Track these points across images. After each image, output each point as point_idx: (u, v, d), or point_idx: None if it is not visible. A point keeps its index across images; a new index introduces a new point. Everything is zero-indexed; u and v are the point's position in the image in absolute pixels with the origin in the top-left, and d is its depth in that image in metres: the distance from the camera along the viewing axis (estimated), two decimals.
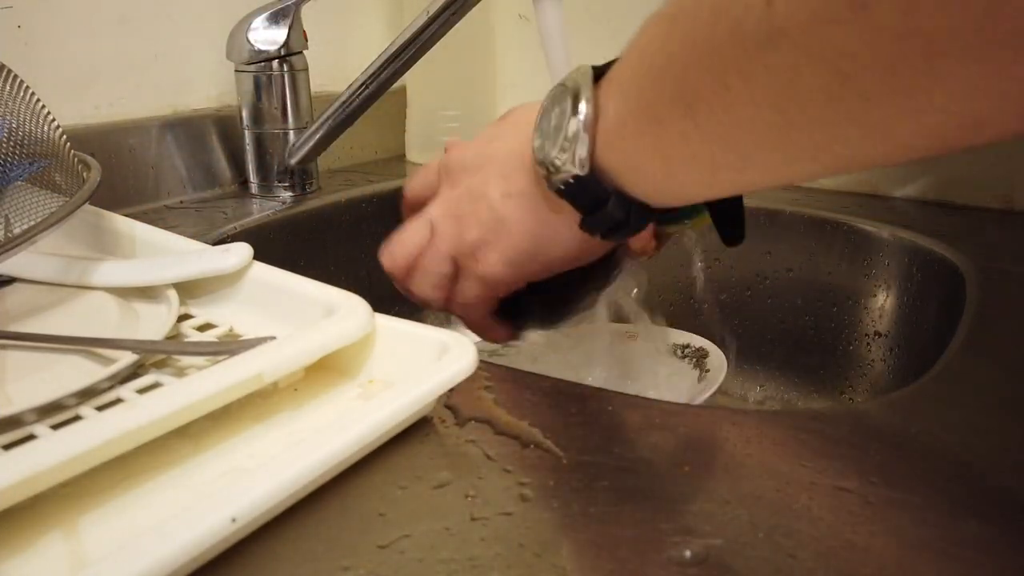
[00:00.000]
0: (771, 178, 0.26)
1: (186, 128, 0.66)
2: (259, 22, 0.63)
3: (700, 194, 0.30)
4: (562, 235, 0.35)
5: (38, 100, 0.39)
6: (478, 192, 0.37)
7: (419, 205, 0.42)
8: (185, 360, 0.33)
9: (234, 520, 0.22)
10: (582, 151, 0.30)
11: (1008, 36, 0.16)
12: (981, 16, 0.16)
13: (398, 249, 0.41)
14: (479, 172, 0.38)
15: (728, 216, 0.36)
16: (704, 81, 0.24)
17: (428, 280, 0.40)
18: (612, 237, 0.33)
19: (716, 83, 0.23)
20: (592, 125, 0.30)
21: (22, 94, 0.39)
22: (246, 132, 0.66)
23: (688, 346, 0.57)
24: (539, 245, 0.36)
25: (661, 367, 0.57)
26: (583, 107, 0.30)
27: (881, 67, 0.18)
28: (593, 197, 0.31)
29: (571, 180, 0.31)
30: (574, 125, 0.30)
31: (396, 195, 0.73)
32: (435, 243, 0.39)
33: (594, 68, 0.31)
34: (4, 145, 0.37)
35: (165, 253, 0.41)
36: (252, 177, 0.68)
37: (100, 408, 0.28)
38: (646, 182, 0.30)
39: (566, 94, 0.31)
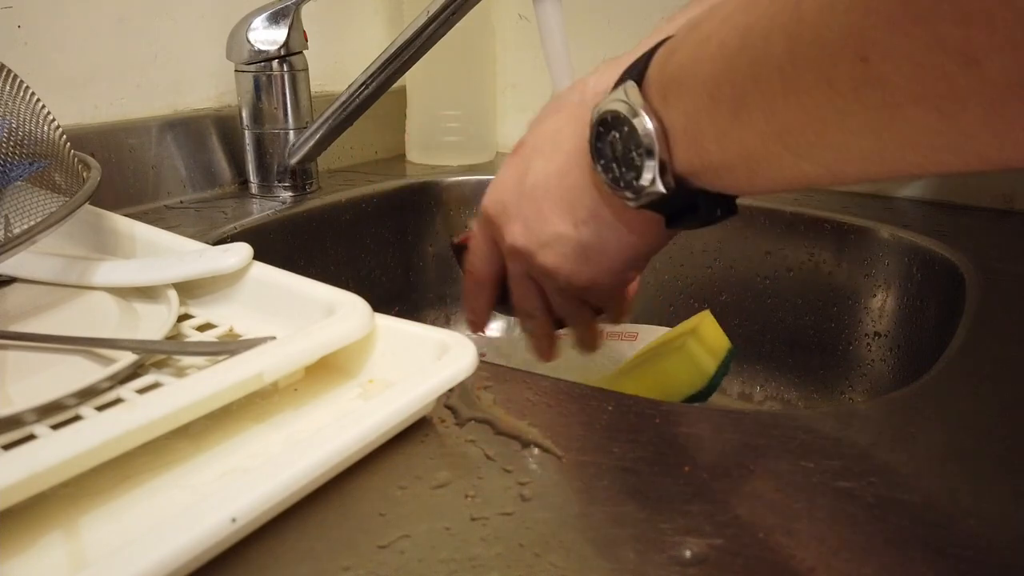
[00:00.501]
0: (853, 181, 0.27)
1: (186, 128, 0.66)
2: (259, 22, 0.63)
3: (778, 190, 0.31)
4: (647, 233, 0.36)
5: (38, 100, 0.39)
6: (545, 232, 0.37)
7: (491, 278, 0.43)
8: (185, 360, 0.33)
9: (234, 520, 0.22)
10: (665, 172, 0.30)
11: None
12: None
13: (527, 303, 0.42)
14: (532, 210, 0.37)
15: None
16: (792, 116, 0.24)
17: (569, 314, 0.42)
18: (700, 227, 0.34)
19: (809, 118, 0.24)
20: (664, 143, 0.30)
21: (22, 94, 0.39)
22: (246, 132, 0.66)
23: None
24: (631, 253, 0.37)
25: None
26: (649, 124, 0.30)
27: (986, 111, 0.20)
28: (682, 205, 0.32)
29: (656, 199, 0.31)
30: (649, 146, 0.30)
31: (396, 195, 0.74)
32: (545, 287, 0.40)
33: (632, 78, 0.31)
34: (4, 145, 0.37)
35: (165, 253, 0.41)
36: (252, 177, 0.68)
37: (100, 408, 0.28)
38: (727, 184, 0.30)
39: (621, 117, 0.31)
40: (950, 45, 0.19)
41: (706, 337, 0.50)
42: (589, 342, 0.46)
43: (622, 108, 0.31)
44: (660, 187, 0.30)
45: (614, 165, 0.32)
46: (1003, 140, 0.20)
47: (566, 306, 0.41)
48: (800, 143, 0.25)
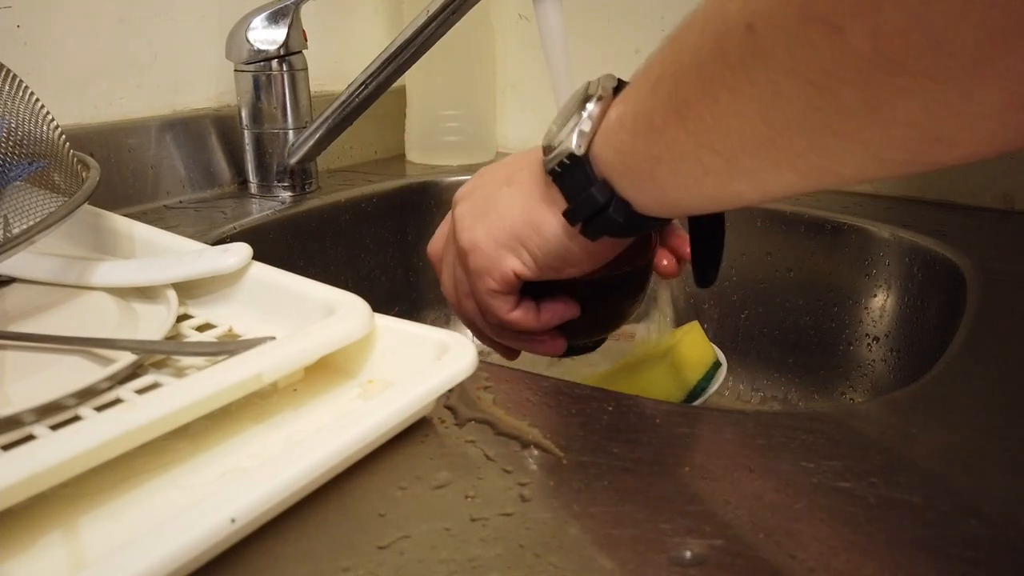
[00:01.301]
0: (756, 189, 0.27)
1: (185, 128, 0.66)
2: (258, 22, 0.63)
3: (685, 203, 0.31)
4: (549, 222, 0.34)
5: (37, 100, 0.39)
6: (482, 190, 0.38)
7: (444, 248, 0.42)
8: (184, 360, 0.33)
9: (234, 521, 0.21)
10: (583, 131, 0.31)
11: (960, 61, 0.18)
12: (936, 43, 0.18)
13: (445, 290, 0.42)
14: (482, 188, 0.38)
15: (707, 256, 0.38)
16: (693, 92, 0.25)
17: (462, 312, 0.41)
18: (594, 231, 0.33)
19: (704, 94, 0.25)
20: (598, 118, 0.31)
21: (21, 94, 0.39)
22: (245, 132, 0.66)
23: None
24: (520, 229, 0.35)
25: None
26: (593, 102, 0.31)
27: (853, 82, 0.20)
28: (581, 180, 0.32)
29: (566, 160, 0.31)
30: (583, 112, 0.31)
31: (396, 195, 0.74)
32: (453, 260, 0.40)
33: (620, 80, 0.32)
34: (3, 145, 0.37)
35: (164, 253, 0.41)
36: (251, 177, 0.68)
37: (99, 408, 0.28)
38: (635, 185, 0.31)
39: (583, 92, 0.32)
40: (816, 11, 0.19)
41: (690, 350, 0.50)
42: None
43: (591, 86, 0.32)
44: (572, 145, 0.31)
45: (554, 126, 0.33)
46: (883, 120, 0.20)
47: (454, 284, 0.41)
48: (698, 126, 0.26)
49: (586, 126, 0.31)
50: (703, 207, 0.31)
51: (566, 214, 0.33)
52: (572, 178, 0.32)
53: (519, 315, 0.38)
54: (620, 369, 0.54)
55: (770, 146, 0.24)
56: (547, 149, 0.33)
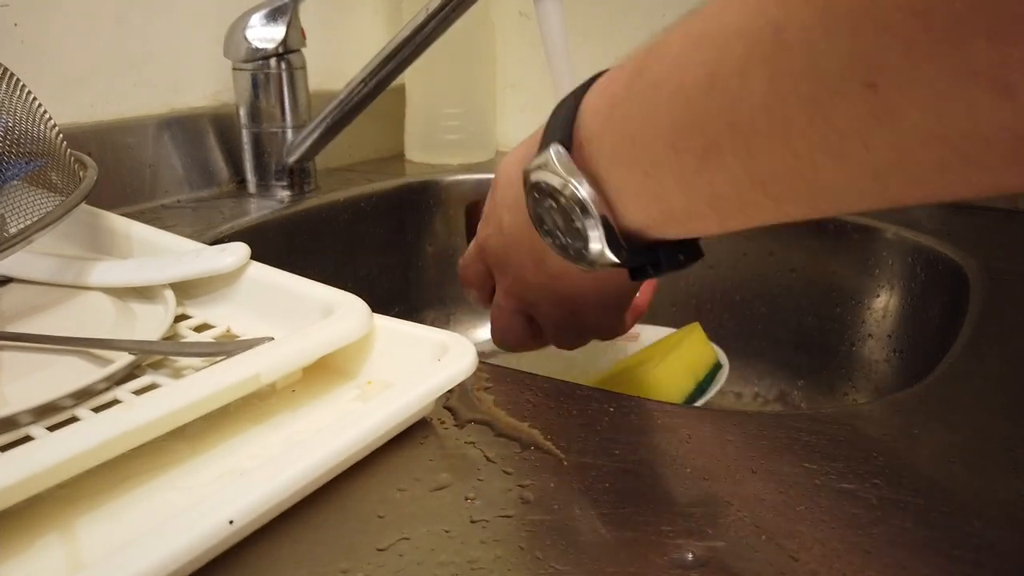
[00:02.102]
0: (840, 213, 0.25)
1: (183, 127, 0.66)
2: (257, 20, 0.62)
3: (756, 226, 0.27)
4: (622, 281, 0.35)
5: (35, 99, 0.39)
6: (529, 284, 0.37)
7: (480, 288, 0.42)
8: (182, 361, 0.32)
9: (232, 522, 0.21)
10: (613, 239, 0.27)
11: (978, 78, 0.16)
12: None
13: (512, 339, 0.41)
14: (512, 262, 0.37)
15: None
16: (780, 160, 0.21)
17: (567, 341, 0.41)
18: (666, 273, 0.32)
19: (799, 163, 0.21)
20: (607, 205, 0.27)
21: (18, 92, 0.38)
22: (244, 131, 0.66)
23: None
24: (613, 298, 0.37)
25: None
26: (585, 193, 0.27)
27: (1014, 148, 0.17)
28: (640, 261, 0.29)
29: (609, 264, 0.29)
30: (591, 224, 0.27)
31: (395, 194, 0.74)
32: (544, 323, 0.40)
33: (560, 142, 0.27)
34: (0, 144, 0.36)
35: (162, 253, 0.41)
36: (250, 176, 0.67)
37: (97, 409, 0.28)
38: (694, 232, 0.28)
39: (553, 188, 0.27)
40: (981, 69, 0.16)
41: (690, 352, 0.50)
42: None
43: (551, 179, 0.27)
44: (610, 256, 0.28)
45: (559, 234, 0.29)
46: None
47: (562, 340, 0.41)
48: (786, 190, 0.22)
49: (610, 237, 0.27)
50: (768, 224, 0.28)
51: (635, 278, 0.31)
52: (629, 262, 0.29)
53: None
54: (621, 371, 0.54)
55: (877, 198, 0.21)
56: (575, 261, 0.29)
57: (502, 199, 0.36)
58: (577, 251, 0.29)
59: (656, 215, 0.27)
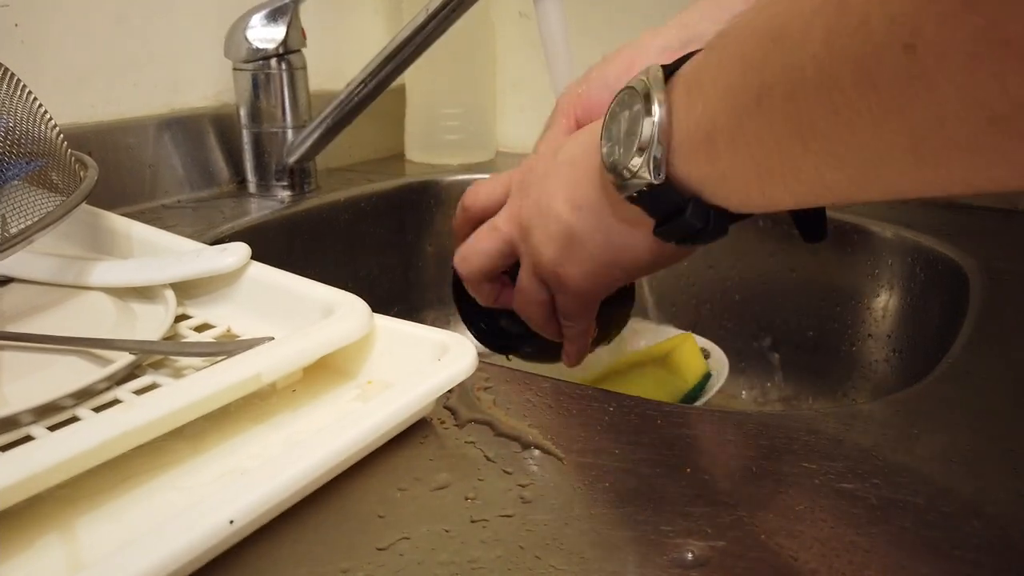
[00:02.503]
0: (874, 194, 0.24)
1: (184, 127, 0.66)
2: (257, 20, 0.62)
3: (791, 204, 0.28)
4: (637, 243, 0.34)
5: (35, 99, 0.39)
6: (545, 205, 0.36)
7: (480, 217, 0.41)
8: (183, 361, 0.32)
9: (232, 522, 0.21)
10: (657, 158, 0.28)
11: None
12: None
13: (474, 260, 0.41)
14: (547, 183, 0.37)
15: (809, 216, 0.35)
16: (821, 115, 0.22)
17: (527, 302, 0.40)
18: (688, 243, 0.32)
19: (837, 118, 0.22)
20: (667, 131, 0.28)
21: (19, 93, 0.38)
22: (244, 131, 0.66)
23: None
24: (615, 255, 0.36)
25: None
26: (656, 111, 0.28)
27: None
28: (669, 205, 0.30)
29: (645, 188, 0.30)
30: (648, 130, 0.28)
31: (395, 194, 0.74)
32: (522, 264, 0.39)
33: (664, 67, 0.29)
34: (1, 144, 0.36)
35: (162, 253, 0.41)
36: (250, 176, 0.67)
37: (97, 409, 0.28)
38: (733, 194, 0.29)
39: (635, 97, 0.29)
40: (1011, 38, 0.17)
41: (680, 362, 0.50)
42: (551, 352, 0.45)
43: (639, 87, 0.29)
44: (650, 175, 0.29)
45: (616, 147, 0.30)
46: None
47: (529, 292, 0.39)
48: (824, 147, 0.23)
49: (658, 151, 0.28)
50: (813, 205, 0.29)
51: (658, 234, 0.32)
52: (658, 203, 0.30)
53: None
54: (610, 373, 0.54)
55: (914, 172, 0.21)
56: (614, 172, 0.31)
57: (581, 131, 0.38)
58: (624, 166, 0.30)
59: (703, 161, 0.28)
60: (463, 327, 0.48)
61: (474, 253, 0.41)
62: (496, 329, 0.46)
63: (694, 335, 0.57)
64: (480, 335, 0.47)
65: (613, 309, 0.44)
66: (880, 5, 0.19)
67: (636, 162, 0.29)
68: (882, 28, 0.19)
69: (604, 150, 0.31)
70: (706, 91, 0.27)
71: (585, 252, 0.36)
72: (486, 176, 0.44)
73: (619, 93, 0.31)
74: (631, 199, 0.31)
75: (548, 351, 0.45)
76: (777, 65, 0.23)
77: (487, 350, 0.55)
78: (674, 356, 0.50)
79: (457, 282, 0.45)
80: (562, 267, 0.37)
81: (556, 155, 0.37)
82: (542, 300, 0.40)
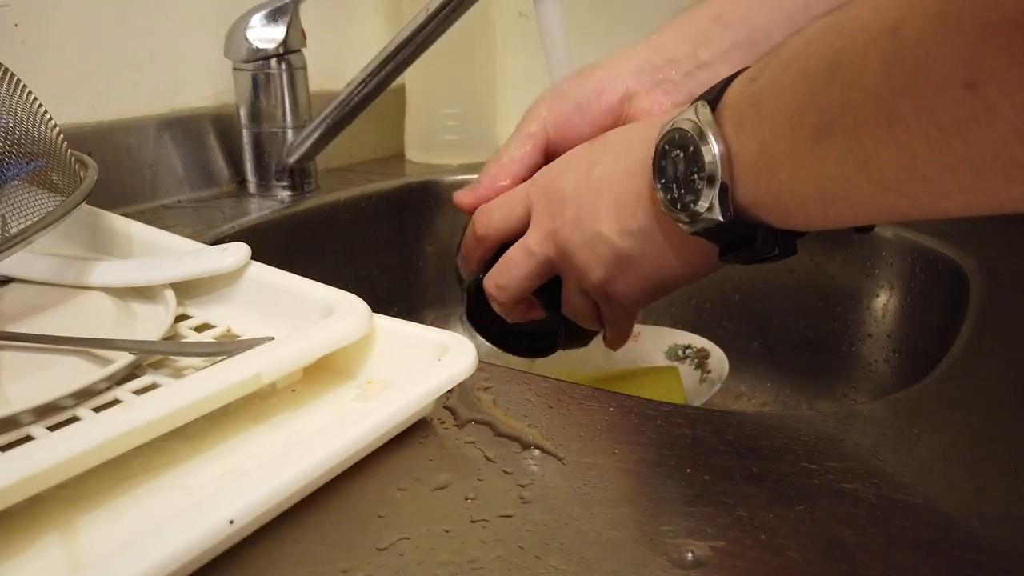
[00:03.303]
0: (947, 215, 0.25)
1: (184, 127, 0.66)
2: (257, 20, 0.62)
3: (853, 224, 0.29)
4: (695, 263, 0.35)
5: (35, 99, 0.39)
6: (590, 229, 0.36)
7: (498, 241, 0.41)
8: (183, 361, 0.32)
9: (232, 522, 0.21)
10: (725, 198, 0.29)
11: None
12: None
13: (514, 285, 0.41)
14: (585, 206, 0.37)
15: None
16: (882, 148, 0.23)
17: (582, 318, 0.41)
18: (752, 263, 0.33)
19: (898, 151, 0.22)
20: (729, 167, 0.29)
21: (19, 93, 0.38)
22: (244, 131, 0.66)
23: (690, 347, 0.57)
24: (672, 274, 0.36)
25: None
26: (716, 150, 0.29)
27: None
28: (738, 236, 0.30)
29: (712, 226, 0.30)
30: (711, 170, 0.29)
31: (395, 194, 0.74)
32: (567, 281, 0.40)
33: (707, 101, 0.30)
34: (1, 144, 0.36)
35: (162, 253, 0.41)
36: (250, 176, 0.67)
37: (97, 409, 0.28)
38: (795, 219, 0.29)
39: (686, 137, 0.30)
40: None
41: (659, 395, 0.50)
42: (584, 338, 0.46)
43: (690, 128, 0.30)
44: (718, 215, 0.29)
45: (674, 186, 0.31)
46: None
47: (578, 306, 0.40)
48: (888, 177, 0.23)
49: (725, 195, 0.29)
50: (872, 223, 0.30)
51: (724, 259, 0.32)
52: (727, 236, 0.31)
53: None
54: (597, 380, 0.54)
55: (976, 194, 0.22)
56: (677, 213, 0.31)
57: (607, 147, 0.37)
58: (686, 204, 0.30)
59: (764, 192, 0.28)
60: (463, 327, 0.48)
61: (512, 280, 0.41)
62: (523, 337, 0.46)
63: (693, 335, 0.57)
64: (512, 349, 0.49)
65: None
66: (936, 41, 0.20)
67: (703, 204, 0.29)
68: (942, 65, 0.20)
69: (660, 190, 0.32)
70: (759, 125, 0.27)
71: (639, 272, 0.36)
72: (475, 176, 0.44)
73: (666, 132, 0.31)
74: (696, 233, 0.31)
75: (578, 338, 0.46)
76: (836, 100, 0.24)
77: (487, 350, 0.55)
78: (654, 389, 0.50)
79: (473, 308, 0.45)
80: (612, 286, 0.37)
81: (589, 173, 0.37)
82: (590, 311, 0.41)
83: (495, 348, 0.49)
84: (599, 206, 0.36)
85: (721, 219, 0.29)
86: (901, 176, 0.23)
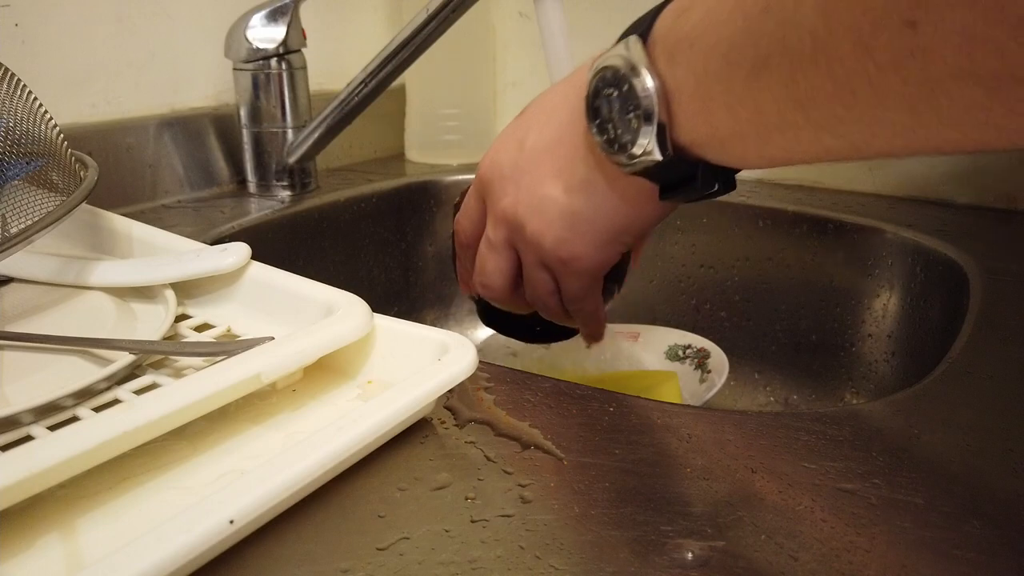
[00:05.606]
0: (867, 154, 0.25)
1: (184, 127, 0.66)
2: (257, 20, 0.62)
3: (788, 163, 0.28)
4: (645, 208, 0.34)
5: (35, 99, 0.39)
6: (535, 196, 0.36)
7: (476, 240, 0.41)
8: (183, 361, 0.32)
9: (232, 522, 0.21)
10: (663, 135, 0.28)
11: None
12: None
13: (494, 280, 0.40)
14: (526, 175, 0.36)
15: None
16: (821, 86, 0.22)
17: (540, 294, 0.40)
18: (695, 200, 0.32)
19: (838, 89, 0.22)
20: (666, 104, 0.28)
21: (19, 92, 0.38)
22: (244, 131, 0.66)
23: (690, 347, 0.57)
24: (625, 224, 0.35)
25: (663, 368, 0.56)
26: (649, 83, 0.28)
27: None
28: (678, 174, 0.30)
29: (651, 164, 0.29)
30: (647, 107, 0.28)
31: (395, 194, 0.74)
32: (524, 259, 0.39)
33: (638, 35, 0.29)
34: (1, 144, 0.36)
35: (163, 253, 0.41)
36: (250, 176, 0.67)
37: (97, 409, 0.28)
38: (731, 156, 0.29)
39: (619, 74, 0.29)
40: (1010, 16, 0.17)
41: (658, 396, 0.50)
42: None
43: (621, 64, 0.29)
44: (657, 154, 0.28)
45: (609, 126, 0.30)
46: None
47: (539, 285, 0.39)
48: (824, 115, 0.23)
49: (663, 131, 0.28)
50: (806, 163, 0.29)
51: (665, 198, 0.32)
52: (668, 174, 0.30)
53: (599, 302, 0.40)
54: (596, 381, 0.54)
55: (910, 135, 0.22)
56: (615, 154, 0.30)
57: (531, 118, 0.37)
58: (623, 144, 0.29)
59: (702, 129, 0.28)
60: (463, 327, 0.48)
61: (489, 275, 0.40)
62: (542, 325, 0.46)
63: (693, 335, 0.57)
64: (535, 339, 0.48)
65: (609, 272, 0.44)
66: None
67: (643, 142, 0.29)
68: (882, 3, 0.20)
69: (596, 132, 0.31)
70: (693, 60, 0.27)
71: (591, 228, 0.35)
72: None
73: (598, 70, 0.30)
74: (637, 173, 0.31)
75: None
76: (772, 38, 0.23)
77: (488, 351, 0.55)
78: (653, 393, 0.50)
79: (484, 312, 0.45)
80: (566, 248, 0.36)
81: (522, 146, 0.37)
82: (552, 289, 0.39)
83: (520, 343, 0.49)
84: (539, 173, 0.36)
85: (660, 158, 0.29)
86: (839, 114, 0.23)
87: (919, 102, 0.20)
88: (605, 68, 0.30)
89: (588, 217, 0.35)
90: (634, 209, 0.34)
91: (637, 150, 0.29)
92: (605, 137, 0.31)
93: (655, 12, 0.29)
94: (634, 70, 0.28)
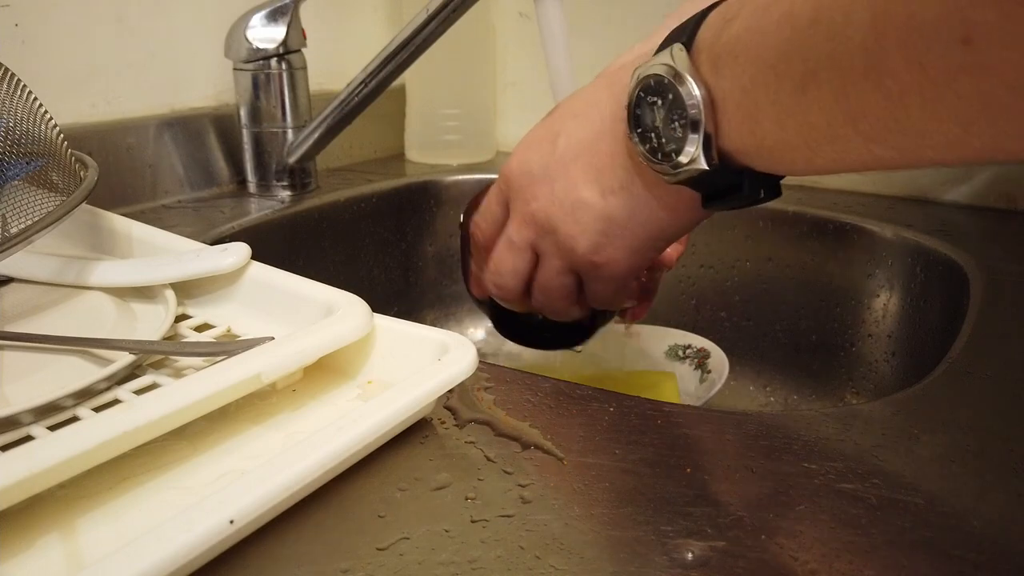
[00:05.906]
0: (927, 165, 0.25)
1: (184, 127, 0.66)
2: (257, 20, 0.62)
3: (836, 172, 0.28)
4: (683, 214, 0.34)
5: (35, 99, 0.39)
6: (569, 199, 0.35)
7: (494, 241, 0.41)
8: (183, 361, 0.32)
9: (232, 522, 0.21)
10: (710, 146, 0.28)
11: None
12: None
13: (509, 280, 0.40)
14: (559, 179, 0.36)
15: None
16: (872, 101, 0.22)
17: (555, 298, 0.40)
18: (738, 208, 0.32)
19: (888, 103, 0.22)
20: (712, 113, 0.28)
21: (19, 92, 0.38)
22: (244, 131, 0.66)
23: (690, 347, 0.57)
24: (657, 228, 0.35)
25: (663, 368, 0.56)
26: (696, 92, 0.28)
27: None
28: (724, 184, 0.30)
29: (695, 176, 0.29)
30: (694, 117, 0.28)
31: (395, 194, 0.74)
32: (546, 262, 0.38)
33: (682, 42, 0.28)
34: (1, 144, 0.36)
35: (163, 253, 0.41)
36: (250, 176, 0.67)
37: (97, 409, 0.28)
38: (778, 165, 0.28)
39: (665, 83, 0.29)
40: None
41: (655, 395, 0.50)
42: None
43: (667, 72, 0.28)
44: (703, 163, 0.28)
45: (652, 135, 0.30)
46: None
47: (557, 289, 0.39)
48: (875, 128, 0.23)
49: (709, 142, 0.28)
50: (855, 171, 0.29)
51: (708, 206, 0.32)
52: (712, 184, 0.30)
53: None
54: (596, 380, 0.54)
55: (964, 146, 0.22)
56: (660, 163, 0.30)
57: (560, 121, 0.37)
58: (668, 153, 0.29)
59: (748, 138, 0.27)
60: (463, 327, 0.48)
61: (505, 275, 0.40)
62: (554, 330, 0.46)
63: (693, 335, 0.57)
64: (547, 345, 0.48)
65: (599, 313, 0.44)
66: None
67: (689, 150, 0.29)
68: (932, 20, 0.19)
69: (638, 141, 0.31)
70: (738, 70, 0.27)
71: (626, 233, 0.35)
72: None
73: (641, 78, 0.30)
74: (680, 183, 0.30)
75: (605, 315, 0.46)
76: (821, 52, 0.23)
77: (487, 350, 0.55)
78: (651, 393, 0.50)
79: (497, 319, 0.45)
80: (600, 254, 0.36)
81: (554, 146, 0.36)
82: (570, 292, 0.39)
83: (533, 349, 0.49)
84: (573, 175, 0.35)
85: (706, 168, 0.28)
86: (890, 127, 0.23)
87: (974, 115, 0.20)
88: (648, 76, 0.30)
89: (623, 223, 0.35)
90: (672, 216, 0.34)
91: (683, 159, 0.29)
92: (648, 146, 0.30)
93: (697, 20, 0.29)
94: (679, 78, 0.28)
